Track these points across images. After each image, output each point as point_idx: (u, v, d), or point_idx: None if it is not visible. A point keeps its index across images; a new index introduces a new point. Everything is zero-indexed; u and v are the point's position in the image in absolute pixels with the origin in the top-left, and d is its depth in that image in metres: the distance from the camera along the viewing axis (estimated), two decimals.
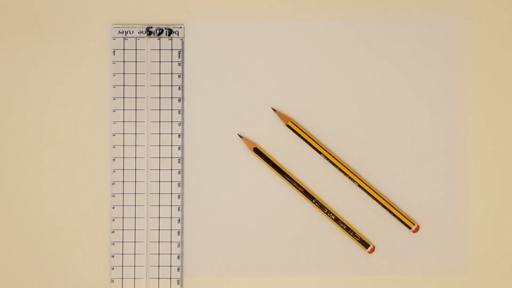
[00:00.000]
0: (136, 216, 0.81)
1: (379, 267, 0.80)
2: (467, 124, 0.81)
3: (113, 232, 0.80)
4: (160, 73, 0.82)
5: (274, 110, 0.81)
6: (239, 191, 0.80)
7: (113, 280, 0.80)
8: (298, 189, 0.80)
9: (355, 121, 0.81)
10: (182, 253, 0.80)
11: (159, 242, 0.80)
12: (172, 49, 0.82)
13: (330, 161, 0.80)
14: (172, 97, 0.82)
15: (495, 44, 0.82)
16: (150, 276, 0.80)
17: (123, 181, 0.81)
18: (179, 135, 0.81)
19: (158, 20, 0.82)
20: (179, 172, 0.81)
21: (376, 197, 0.80)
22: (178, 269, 0.80)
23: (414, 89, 0.81)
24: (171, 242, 0.80)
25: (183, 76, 0.82)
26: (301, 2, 0.82)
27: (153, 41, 0.82)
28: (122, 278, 0.80)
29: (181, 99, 0.82)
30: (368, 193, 0.80)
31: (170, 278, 0.80)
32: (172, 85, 0.82)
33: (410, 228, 0.80)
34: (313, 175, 0.81)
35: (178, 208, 0.81)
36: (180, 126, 0.81)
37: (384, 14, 0.82)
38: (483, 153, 0.81)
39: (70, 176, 0.81)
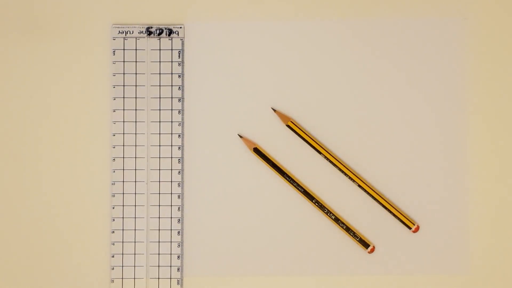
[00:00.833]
0: (136, 216, 0.81)
1: (379, 267, 0.80)
2: (467, 124, 0.81)
3: (113, 232, 0.80)
4: (160, 73, 0.82)
5: (274, 110, 0.81)
6: (239, 191, 0.80)
7: (113, 280, 0.80)
8: (298, 189, 0.80)
9: (355, 121, 0.81)
10: (182, 253, 0.80)
11: (159, 242, 0.80)
12: (172, 49, 0.82)
13: (330, 161, 0.80)
14: (172, 97, 0.82)
15: (495, 44, 0.82)
16: (150, 276, 0.80)
17: (123, 181, 0.81)
18: (179, 135, 0.81)
19: (158, 20, 0.82)
20: (179, 172, 0.81)
21: (376, 197, 0.80)
22: (178, 269, 0.80)
23: (414, 89, 0.81)
24: (171, 242, 0.80)
25: (183, 76, 0.82)
26: (301, 2, 0.82)
27: (153, 41, 0.82)
28: (122, 278, 0.80)
29: (181, 99, 0.82)
30: (368, 193, 0.80)
31: (170, 278, 0.80)
32: (172, 85, 0.82)
33: (410, 228, 0.80)
34: (313, 175, 0.81)
35: (178, 208, 0.81)
36: (180, 126, 0.81)
37: (384, 14, 0.82)
38: (483, 153, 0.81)
39: (70, 176, 0.81)
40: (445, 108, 0.81)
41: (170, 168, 0.81)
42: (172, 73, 0.82)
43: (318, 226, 0.80)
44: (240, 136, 0.81)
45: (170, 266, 0.80)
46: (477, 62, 0.81)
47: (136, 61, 0.82)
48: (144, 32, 0.82)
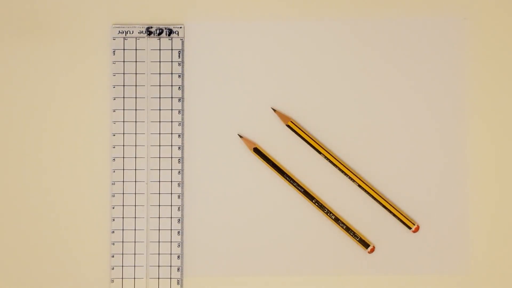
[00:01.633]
0: (136, 216, 0.81)
1: (379, 267, 0.80)
2: (467, 124, 0.81)
3: (113, 232, 0.80)
4: (160, 73, 0.82)
5: (274, 110, 0.81)
6: (239, 191, 0.80)
7: (113, 280, 0.80)
8: (298, 189, 0.80)
9: (355, 121, 0.81)
10: (182, 253, 0.80)
11: (159, 242, 0.80)
12: (172, 49, 0.82)
13: (330, 161, 0.80)
14: (172, 97, 0.82)
15: (495, 44, 0.82)
16: (150, 276, 0.80)
17: (123, 181, 0.81)
18: (179, 135, 0.81)
19: (158, 20, 0.82)
20: (179, 172, 0.81)
21: (376, 197, 0.80)
22: (178, 269, 0.80)
23: (414, 89, 0.81)
24: (171, 242, 0.80)
25: (183, 76, 0.82)
26: (301, 2, 0.82)
27: (153, 41, 0.82)
28: (122, 278, 0.80)
29: (181, 99, 0.82)
30: (368, 193, 0.80)
31: (170, 278, 0.80)
32: (172, 85, 0.82)
33: (410, 228, 0.80)
34: (313, 175, 0.81)
35: (178, 208, 0.81)
36: (180, 126, 0.81)
37: (384, 14, 0.82)
38: (483, 153, 0.81)
39: (70, 176, 0.81)
40: (445, 108, 0.81)
41: (170, 168, 0.81)
42: (172, 73, 0.82)
43: (318, 226, 0.80)
44: (240, 136, 0.81)
45: (170, 266, 0.80)
46: (477, 62, 0.81)
47: (136, 61, 0.82)
48: (144, 32, 0.82)
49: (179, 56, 0.82)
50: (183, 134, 0.81)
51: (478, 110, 0.81)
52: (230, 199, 0.80)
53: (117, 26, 0.82)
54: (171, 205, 0.81)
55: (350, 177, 0.80)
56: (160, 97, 0.82)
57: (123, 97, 0.81)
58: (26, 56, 0.82)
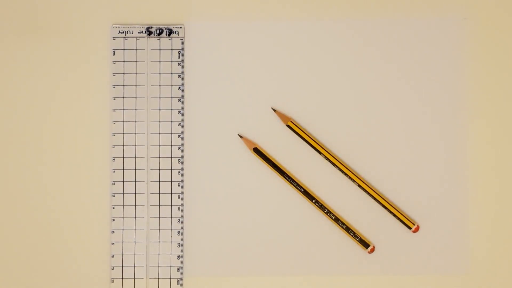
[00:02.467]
0: (136, 216, 0.81)
1: (379, 267, 0.80)
2: (467, 124, 0.81)
3: (113, 232, 0.80)
4: (160, 73, 0.82)
5: (274, 110, 0.81)
6: (239, 191, 0.80)
7: (113, 280, 0.80)
8: (298, 189, 0.80)
9: (355, 121, 0.81)
10: (182, 253, 0.80)
11: (159, 242, 0.80)
12: (172, 49, 0.82)
13: (330, 161, 0.80)
14: (172, 97, 0.82)
15: (495, 44, 0.82)
16: (150, 276, 0.80)
17: (123, 181, 0.81)
18: (179, 135, 0.81)
19: (158, 20, 0.82)
20: (179, 172, 0.81)
21: (376, 197, 0.80)
22: (178, 269, 0.80)
23: (414, 89, 0.81)
24: (171, 242, 0.80)
25: (183, 76, 0.82)
26: (301, 2, 0.82)
27: (153, 41, 0.82)
28: (122, 278, 0.80)
29: (181, 99, 0.82)
30: (368, 193, 0.80)
31: (170, 278, 0.80)
32: (172, 85, 0.82)
33: (410, 228, 0.80)
34: (313, 175, 0.81)
35: (178, 208, 0.81)
36: (180, 126, 0.81)
37: (384, 14, 0.82)
38: (483, 153, 0.81)
39: (70, 176, 0.81)
40: (445, 108, 0.81)
41: (170, 168, 0.81)
42: (172, 73, 0.82)
43: (318, 226, 0.80)
44: (240, 136, 0.81)
45: (170, 266, 0.80)
46: (477, 62, 0.81)
47: (136, 61, 0.82)
48: (144, 32, 0.82)
49: (179, 56, 0.82)
50: (183, 134, 0.81)
51: (478, 110, 0.81)
52: (230, 199, 0.80)
53: (117, 26, 0.82)
54: (171, 205, 0.81)
55: (350, 177, 0.80)
56: (160, 97, 0.82)
57: (123, 97, 0.81)
58: (26, 56, 0.82)
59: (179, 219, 0.81)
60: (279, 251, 0.80)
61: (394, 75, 0.81)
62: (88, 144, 0.81)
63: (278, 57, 0.82)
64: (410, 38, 0.81)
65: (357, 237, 0.80)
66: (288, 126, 0.81)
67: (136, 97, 0.81)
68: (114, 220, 0.80)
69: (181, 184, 0.81)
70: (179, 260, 0.80)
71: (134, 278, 0.80)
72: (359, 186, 0.80)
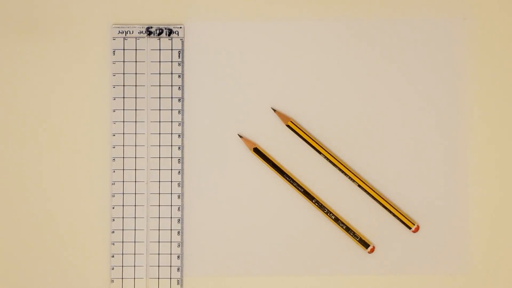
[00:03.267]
0: (136, 216, 0.81)
1: (379, 267, 0.80)
2: (467, 124, 0.81)
3: (113, 232, 0.80)
4: (160, 73, 0.82)
5: (274, 110, 0.81)
6: (239, 191, 0.80)
7: (113, 280, 0.80)
8: (298, 189, 0.80)
9: (355, 121, 0.81)
10: (182, 253, 0.80)
11: (159, 242, 0.80)
12: (172, 49, 0.82)
13: (330, 161, 0.80)
14: (172, 97, 0.82)
15: (495, 44, 0.82)
16: (150, 276, 0.80)
17: (123, 181, 0.81)
18: (179, 135, 0.81)
19: (158, 20, 0.82)
20: (179, 172, 0.81)
21: (376, 197, 0.80)
22: (178, 269, 0.80)
23: (414, 89, 0.81)
24: (171, 242, 0.80)
25: (183, 76, 0.82)
26: (301, 2, 0.82)
27: (153, 41, 0.82)
28: (122, 278, 0.80)
29: (181, 99, 0.82)
30: (368, 193, 0.80)
31: (170, 278, 0.80)
32: (172, 85, 0.82)
33: (410, 228, 0.80)
34: (313, 175, 0.81)
35: (178, 208, 0.81)
36: (180, 126, 0.81)
37: (384, 14, 0.82)
38: (483, 153, 0.81)
39: (70, 176, 0.81)
40: (445, 108, 0.81)
41: (170, 168, 0.81)
42: (172, 73, 0.82)
43: (318, 226, 0.80)
44: (240, 136, 0.81)
45: (170, 266, 0.80)
46: (477, 62, 0.81)
47: (136, 61, 0.82)
48: (144, 32, 0.82)
49: (179, 56, 0.82)
50: (183, 134, 0.81)
51: (478, 110, 0.81)
52: (230, 199, 0.80)
53: (117, 26, 0.82)
54: (171, 205, 0.81)
55: (350, 177, 0.80)
56: (160, 97, 0.82)
57: (123, 97, 0.81)
58: (26, 56, 0.82)
59: (179, 219, 0.81)
60: (279, 251, 0.80)
61: (394, 75, 0.81)
62: (88, 144, 0.81)
63: (278, 57, 0.82)
64: (410, 38, 0.81)
65: (357, 237, 0.80)
66: (288, 126, 0.81)
67: (136, 97, 0.81)
68: (114, 220, 0.80)
69: (181, 184, 0.81)
70: (179, 260, 0.80)
71: (134, 278, 0.80)
72: (359, 186, 0.80)
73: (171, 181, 0.81)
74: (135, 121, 0.81)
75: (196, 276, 0.80)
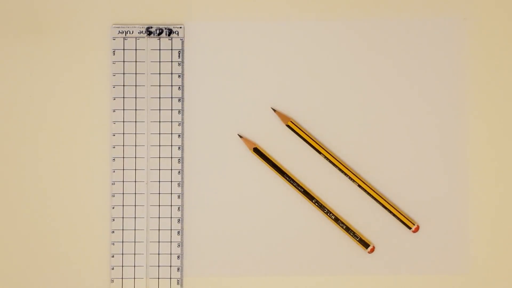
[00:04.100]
0: (136, 216, 0.81)
1: (379, 267, 0.80)
2: (467, 124, 0.81)
3: (113, 232, 0.80)
4: (160, 73, 0.82)
5: (274, 110, 0.81)
6: (239, 191, 0.80)
7: (113, 280, 0.80)
8: (298, 189, 0.80)
9: (355, 121, 0.81)
10: (182, 253, 0.80)
11: (159, 242, 0.80)
12: (172, 49, 0.82)
13: (330, 161, 0.80)
14: (172, 97, 0.82)
15: (495, 44, 0.82)
16: (150, 276, 0.80)
17: (123, 181, 0.81)
18: (179, 135, 0.81)
19: (158, 20, 0.82)
20: (179, 172, 0.81)
21: (376, 197, 0.80)
22: (178, 269, 0.80)
23: (414, 89, 0.81)
24: (171, 242, 0.80)
25: (183, 76, 0.82)
26: (302, 2, 0.82)
27: (153, 41, 0.82)
28: (122, 278, 0.80)
29: (181, 99, 0.82)
30: (368, 193, 0.80)
31: (170, 278, 0.80)
32: (172, 85, 0.82)
33: (410, 228, 0.80)
34: (313, 175, 0.81)
35: (178, 208, 0.81)
36: (180, 126, 0.81)
37: (384, 14, 0.82)
38: (483, 153, 0.81)
39: (70, 176, 0.81)
40: (445, 108, 0.81)
41: (170, 168, 0.81)
42: (172, 73, 0.82)
43: (318, 226, 0.80)
44: (240, 136, 0.81)
45: (170, 266, 0.80)
46: (477, 62, 0.81)
47: (136, 61, 0.82)
48: (144, 32, 0.82)
49: (179, 56, 0.82)
50: (183, 134, 0.81)
51: (478, 110, 0.81)
52: (230, 199, 0.80)
53: (117, 26, 0.82)
54: (171, 205, 0.81)
55: (350, 177, 0.80)
56: (160, 97, 0.82)
57: (123, 97, 0.81)
58: (26, 56, 0.82)
59: (179, 219, 0.81)
60: (279, 251, 0.80)
61: (394, 75, 0.81)
62: (88, 144, 0.81)
63: (278, 57, 0.82)
64: (410, 38, 0.81)
65: (357, 237, 0.80)
66: (288, 126, 0.81)
67: (136, 97, 0.81)
68: (114, 220, 0.80)
69: (181, 184, 0.81)
70: (179, 260, 0.80)
71: (134, 278, 0.80)
72: (359, 186, 0.80)
73: (171, 181, 0.81)
74: (135, 121, 0.81)
75: (196, 276, 0.80)
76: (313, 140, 0.80)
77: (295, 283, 0.80)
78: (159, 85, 0.82)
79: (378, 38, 0.82)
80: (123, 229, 0.80)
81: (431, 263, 0.80)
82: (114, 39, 0.82)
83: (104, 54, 0.82)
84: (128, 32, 0.82)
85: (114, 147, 0.81)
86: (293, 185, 0.80)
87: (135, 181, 0.81)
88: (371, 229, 0.80)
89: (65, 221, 0.80)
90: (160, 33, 0.82)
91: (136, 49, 0.82)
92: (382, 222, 0.80)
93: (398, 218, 0.80)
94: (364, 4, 0.82)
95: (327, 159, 0.80)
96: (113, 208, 0.81)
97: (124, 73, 0.82)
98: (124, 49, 0.82)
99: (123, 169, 0.81)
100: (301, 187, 0.80)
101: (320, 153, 0.80)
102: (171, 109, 0.81)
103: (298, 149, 0.81)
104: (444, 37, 0.81)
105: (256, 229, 0.80)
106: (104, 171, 0.81)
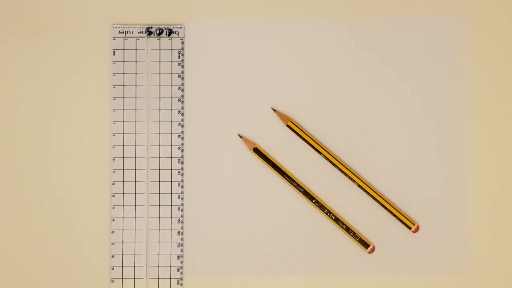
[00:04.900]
0: (136, 216, 0.81)
1: (379, 267, 0.80)
2: (466, 124, 0.81)
3: (113, 232, 0.80)
4: (160, 73, 0.82)
5: (274, 110, 0.81)
6: (239, 191, 0.80)
7: (113, 280, 0.80)
8: (298, 189, 0.80)
9: (355, 121, 0.81)
10: (182, 253, 0.80)
11: (159, 242, 0.80)
12: (172, 49, 0.82)
13: (330, 161, 0.80)
14: (172, 97, 0.82)
15: (495, 44, 0.82)
16: (150, 276, 0.80)
17: (123, 181, 0.81)
18: (179, 135, 0.81)
19: (158, 20, 0.82)
20: (179, 172, 0.81)
21: (376, 197, 0.80)
22: (178, 269, 0.80)
23: (414, 89, 0.81)
24: (171, 242, 0.80)
25: (183, 76, 0.82)
26: (301, 3, 0.82)
27: (153, 41, 0.82)
28: (122, 278, 0.80)
29: (181, 99, 0.82)
30: (368, 193, 0.80)
31: (170, 278, 0.80)
32: (172, 85, 0.82)
33: (410, 228, 0.80)
34: (313, 175, 0.81)
35: (178, 208, 0.81)
36: (180, 126, 0.81)
37: (384, 14, 0.82)
38: (483, 153, 0.81)
39: (70, 176, 0.81)
40: (445, 108, 0.81)
41: (170, 168, 0.81)
42: (172, 73, 0.82)
43: (318, 226, 0.80)
44: (240, 136, 0.81)
45: (170, 266, 0.80)
46: (477, 62, 0.81)
47: (136, 61, 0.82)
48: (144, 32, 0.82)
49: (179, 56, 0.82)
50: (183, 134, 0.81)
51: (478, 110, 0.81)
52: (230, 199, 0.80)
53: (117, 26, 0.82)
54: (171, 205, 0.81)
55: (350, 177, 0.80)
56: (160, 97, 0.82)
57: (123, 97, 0.81)
58: (26, 56, 0.82)
59: (179, 219, 0.81)
60: (279, 251, 0.80)
61: (394, 76, 0.81)
62: (88, 144, 0.81)
63: (278, 57, 0.82)
64: (410, 38, 0.81)
65: (357, 237, 0.80)
66: (288, 126, 0.81)
67: (136, 97, 0.81)
68: (114, 220, 0.80)
69: (181, 184, 0.81)
70: (179, 260, 0.80)
71: (134, 278, 0.80)
72: (359, 186, 0.80)
73: (171, 181, 0.81)
74: (135, 121, 0.81)
75: (196, 276, 0.80)
76: (313, 140, 0.80)
77: (295, 283, 0.80)
78: (159, 85, 0.82)
79: (378, 38, 0.82)
80: (123, 229, 0.80)
81: (431, 263, 0.80)
82: (114, 39, 0.82)
83: (104, 54, 0.82)
84: (128, 32, 0.82)
85: (114, 147, 0.81)
86: (293, 185, 0.80)
87: (135, 181, 0.81)
88: (371, 229, 0.80)
89: (65, 221, 0.80)
90: (160, 33, 0.82)
91: (136, 49, 0.82)
92: (382, 222, 0.80)
93: (398, 218, 0.80)
94: (364, 5, 0.82)
95: (327, 159, 0.80)
96: (113, 208, 0.81)
97: (124, 73, 0.82)
98: (124, 49, 0.82)
99: (123, 169, 0.81)
100: (301, 187, 0.80)
101: (320, 153, 0.80)
102: (171, 109, 0.81)
103: (298, 149, 0.81)
104: (444, 37, 0.81)
105: (256, 229, 0.80)
106: (104, 171, 0.81)
